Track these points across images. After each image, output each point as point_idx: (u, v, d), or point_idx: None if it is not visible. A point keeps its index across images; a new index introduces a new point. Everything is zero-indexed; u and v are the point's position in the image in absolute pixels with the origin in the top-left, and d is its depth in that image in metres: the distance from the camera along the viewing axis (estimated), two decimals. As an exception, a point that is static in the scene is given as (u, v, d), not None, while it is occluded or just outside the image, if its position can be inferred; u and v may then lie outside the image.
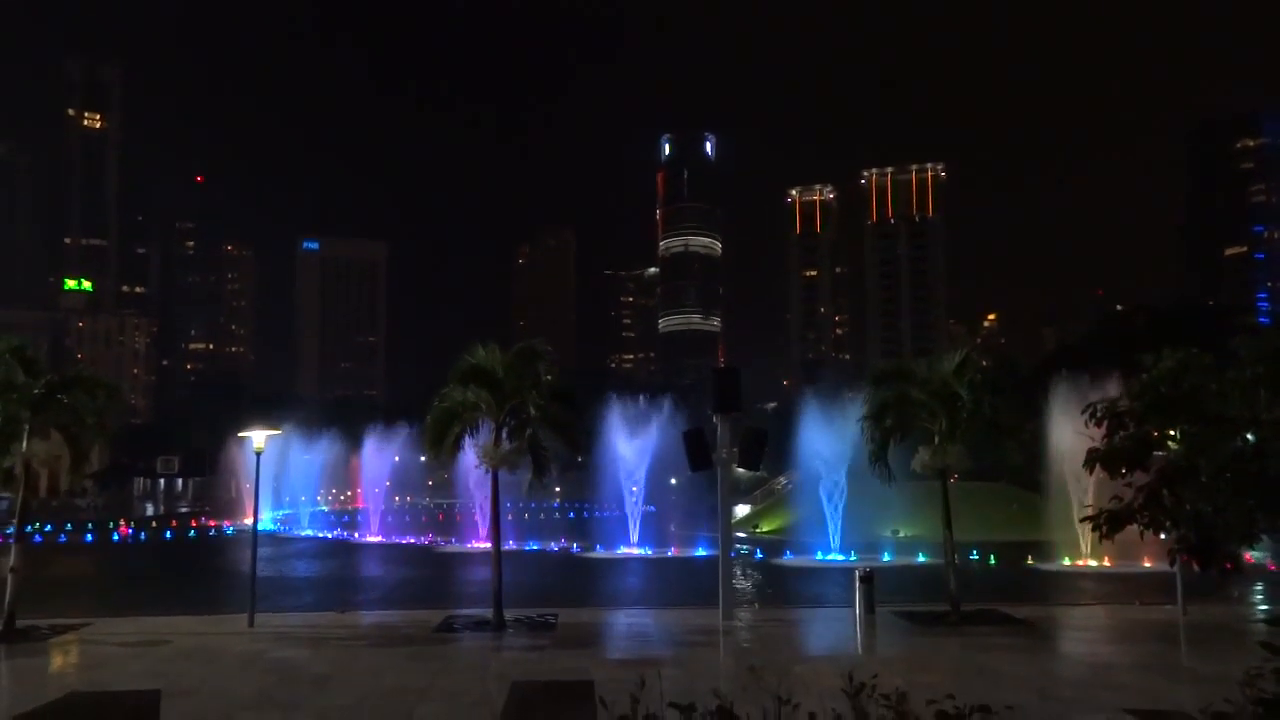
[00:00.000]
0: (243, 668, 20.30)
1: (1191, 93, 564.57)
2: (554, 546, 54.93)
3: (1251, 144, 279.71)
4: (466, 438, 25.64)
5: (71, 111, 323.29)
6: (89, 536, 65.60)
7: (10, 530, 25.73)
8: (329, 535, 67.87)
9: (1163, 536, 10.44)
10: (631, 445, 53.34)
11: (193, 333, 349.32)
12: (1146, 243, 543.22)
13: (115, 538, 66.49)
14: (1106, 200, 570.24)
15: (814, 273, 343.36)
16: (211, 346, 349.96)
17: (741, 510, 68.29)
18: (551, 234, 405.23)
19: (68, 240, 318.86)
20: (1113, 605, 30.92)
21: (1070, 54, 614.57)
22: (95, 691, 17.49)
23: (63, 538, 64.22)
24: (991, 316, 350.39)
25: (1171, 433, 10.98)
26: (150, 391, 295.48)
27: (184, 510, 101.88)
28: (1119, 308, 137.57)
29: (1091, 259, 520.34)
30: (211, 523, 77.74)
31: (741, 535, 57.29)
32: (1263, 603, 30.73)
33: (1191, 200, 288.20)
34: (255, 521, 29.10)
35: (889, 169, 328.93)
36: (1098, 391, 26.28)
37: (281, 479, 75.82)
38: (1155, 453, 10.88)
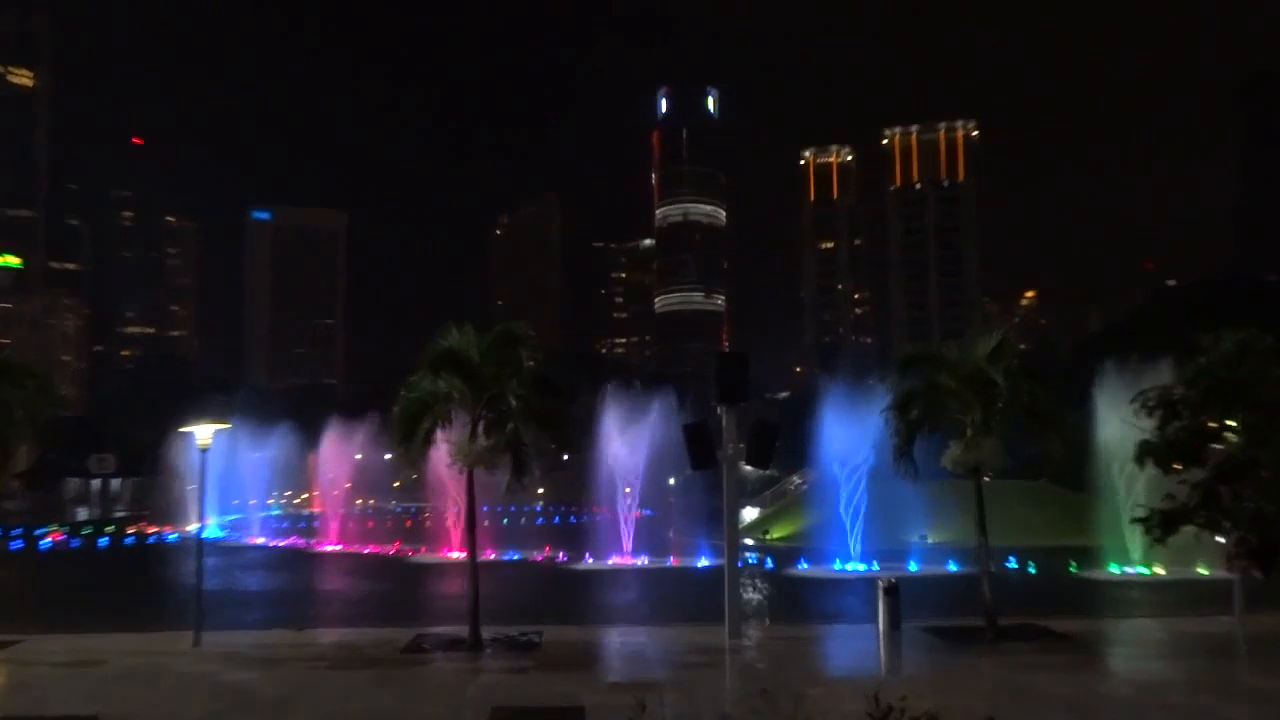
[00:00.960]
0: (188, 691, 20.31)
1: (1241, 47, 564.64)
2: (538, 556, 54.99)
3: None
4: (438, 432, 25.61)
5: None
6: (17, 544, 65.55)
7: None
8: (282, 543, 67.90)
9: (1220, 539, 10.51)
10: (625, 441, 53.36)
11: (130, 314, 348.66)
12: (1199, 210, 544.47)
13: (46, 545, 66.50)
14: (1156, 164, 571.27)
15: (830, 245, 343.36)
16: (151, 330, 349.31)
17: (750, 514, 68.44)
18: (533, 201, 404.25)
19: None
20: (1165, 618, 31.08)
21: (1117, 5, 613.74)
22: (26, 717, 17.52)
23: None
24: (1029, 294, 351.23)
25: (1230, 423, 11.04)
26: (82, 380, 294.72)
27: (121, 514, 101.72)
28: (1171, 283, 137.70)
29: (1139, 229, 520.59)
30: (151, 529, 77.64)
31: (750, 542, 57.39)
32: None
33: (1246, 163, 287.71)
34: (201, 528, 29.12)
35: (914, 128, 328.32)
36: (1148, 377, 26.36)
37: (230, 479, 75.62)
38: (1212, 445, 10.93)
